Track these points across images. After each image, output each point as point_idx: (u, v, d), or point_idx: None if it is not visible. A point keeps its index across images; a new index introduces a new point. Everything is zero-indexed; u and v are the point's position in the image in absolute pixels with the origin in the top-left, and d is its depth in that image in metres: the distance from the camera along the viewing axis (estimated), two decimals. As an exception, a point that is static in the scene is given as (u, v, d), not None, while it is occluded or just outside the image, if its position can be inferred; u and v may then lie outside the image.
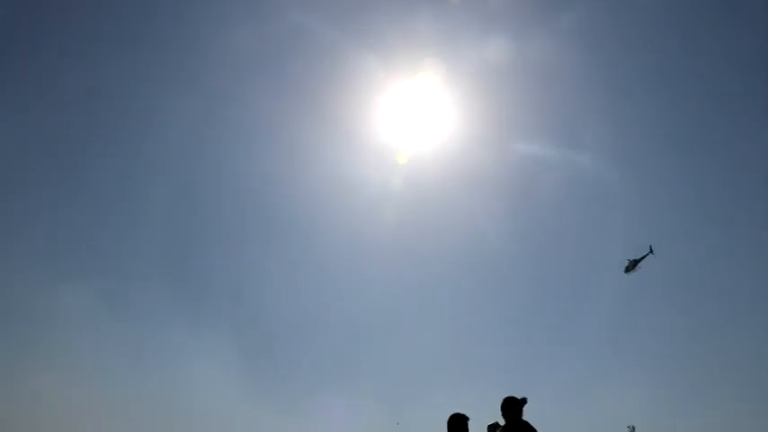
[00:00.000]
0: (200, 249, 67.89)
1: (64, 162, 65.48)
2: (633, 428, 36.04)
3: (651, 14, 53.03)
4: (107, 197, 65.57)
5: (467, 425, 5.79)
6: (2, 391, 45.25)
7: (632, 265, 41.05)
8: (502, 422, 5.45)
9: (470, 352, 62.46)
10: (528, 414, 5.44)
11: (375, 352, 62.09)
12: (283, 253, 67.60)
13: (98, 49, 61.38)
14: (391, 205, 60.22)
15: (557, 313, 62.40)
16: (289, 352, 63.92)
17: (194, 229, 69.22)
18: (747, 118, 58.25)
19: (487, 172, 61.90)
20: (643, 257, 41.16)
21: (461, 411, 5.95)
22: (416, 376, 57.31)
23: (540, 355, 59.22)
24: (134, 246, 61.04)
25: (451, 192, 62.99)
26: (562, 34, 52.18)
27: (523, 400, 5.36)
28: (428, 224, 67.91)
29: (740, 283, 53.49)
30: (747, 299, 51.49)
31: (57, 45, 64.38)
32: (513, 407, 5.32)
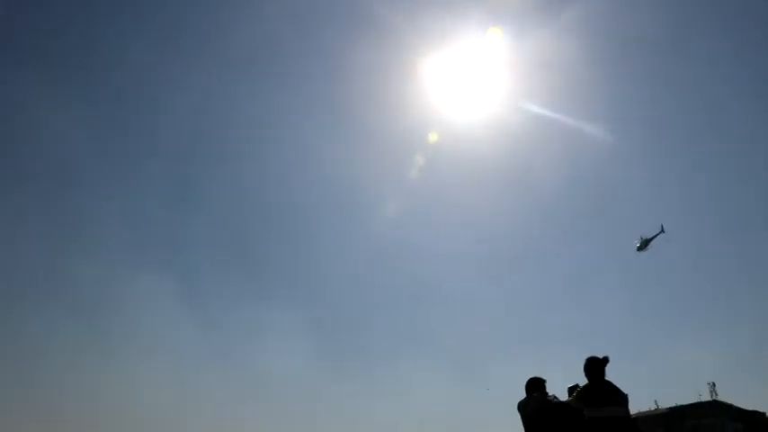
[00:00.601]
0: (264, 234, 69.71)
1: (126, 164, 66.50)
2: (713, 384, 35.28)
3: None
4: (175, 192, 66.59)
5: (545, 387, 5.79)
6: (92, 375, 46.90)
7: (644, 244, 40.99)
8: (583, 384, 5.44)
9: (542, 317, 63.54)
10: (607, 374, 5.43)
11: (447, 320, 63.34)
12: (345, 232, 68.83)
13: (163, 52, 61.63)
14: (436, 180, 61.62)
15: (626, 273, 63.10)
16: (360, 323, 65.55)
17: (257, 215, 70.70)
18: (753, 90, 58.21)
19: (526, 146, 63.10)
20: (655, 236, 41.05)
21: (538, 375, 5.96)
22: (490, 342, 58.33)
23: (610, 316, 60.09)
24: (204, 236, 63.68)
25: (497, 164, 63.98)
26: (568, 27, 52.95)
27: (605, 360, 5.32)
28: (481, 197, 68.81)
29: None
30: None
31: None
32: (595, 366, 5.29)
